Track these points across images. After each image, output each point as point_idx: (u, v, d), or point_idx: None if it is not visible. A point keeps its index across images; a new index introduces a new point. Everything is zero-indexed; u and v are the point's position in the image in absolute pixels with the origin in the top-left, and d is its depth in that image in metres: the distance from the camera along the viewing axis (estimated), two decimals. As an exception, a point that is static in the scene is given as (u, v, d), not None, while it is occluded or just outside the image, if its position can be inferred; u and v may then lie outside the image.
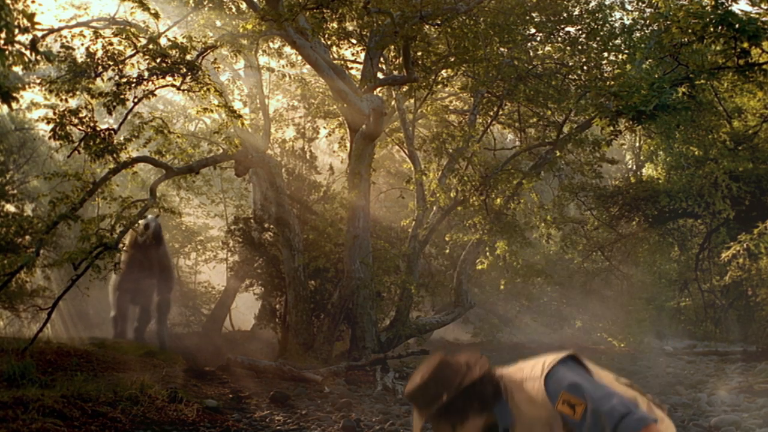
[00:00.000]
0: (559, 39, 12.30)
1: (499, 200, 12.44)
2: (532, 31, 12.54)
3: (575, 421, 2.35)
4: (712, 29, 9.10)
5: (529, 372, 2.48)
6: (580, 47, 11.91)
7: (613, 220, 14.72)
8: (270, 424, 7.18)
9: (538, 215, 13.67)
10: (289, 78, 14.89)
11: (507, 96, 12.01)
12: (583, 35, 12.07)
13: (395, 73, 12.19)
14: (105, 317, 17.24)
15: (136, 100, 8.65)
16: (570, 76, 12.21)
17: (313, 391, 9.09)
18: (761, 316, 13.83)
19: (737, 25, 8.91)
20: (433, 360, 2.56)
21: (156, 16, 9.32)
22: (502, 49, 12.22)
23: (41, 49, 4.21)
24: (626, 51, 12.20)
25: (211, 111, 9.62)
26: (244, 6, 11.84)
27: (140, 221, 10.99)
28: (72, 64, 8.48)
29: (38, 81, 9.64)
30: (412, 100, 12.70)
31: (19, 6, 6.56)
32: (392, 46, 11.53)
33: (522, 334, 18.83)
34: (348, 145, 12.42)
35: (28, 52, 4.10)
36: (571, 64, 12.16)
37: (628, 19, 13.80)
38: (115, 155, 8.54)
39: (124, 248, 11.23)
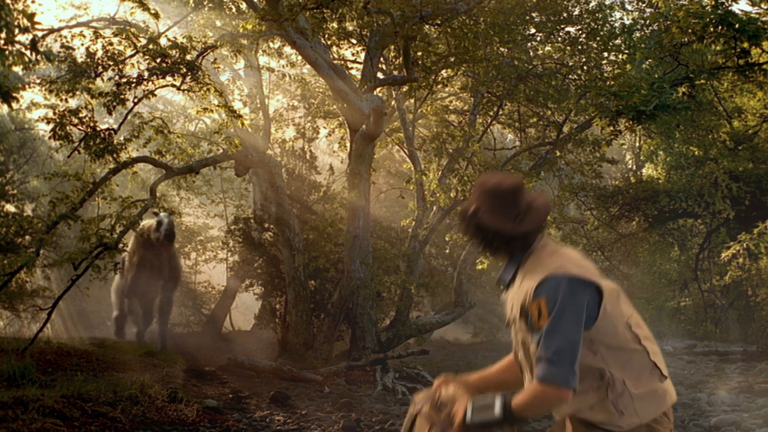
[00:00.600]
0: (559, 39, 12.30)
1: (499, 200, 12.42)
2: (532, 31, 12.54)
3: (534, 326, 2.37)
4: (712, 29, 9.09)
5: (549, 260, 2.45)
6: (580, 47, 11.90)
7: (613, 220, 14.72)
8: (270, 424, 7.18)
9: (538, 215, 13.65)
10: (289, 78, 14.88)
11: (507, 96, 12.01)
12: (583, 35, 12.07)
13: (395, 73, 12.19)
14: (105, 317, 17.24)
15: (136, 100, 8.65)
16: (570, 76, 12.21)
17: (313, 391, 9.09)
18: (761, 316, 13.83)
19: (737, 25, 8.90)
20: (507, 184, 2.52)
21: (156, 16, 9.33)
22: (502, 49, 12.21)
23: (41, 49, 4.21)
24: (626, 51, 12.20)
25: (211, 111, 9.62)
26: (244, 6, 11.84)
27: (153, 219, 10.90)
28: (72, 64, 8.48)
29: (38, 81, 9.64)
30: (412, 100, 12.70)
31: (19, 6, 6.56)
32: (392, 46, 11.52)
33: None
34: (348, 145, 12.42)
35: (28, 52, 4.10)
36: (571, 64, 12.16)
37: (628, 19, 13.81)
38: (115, 155, 8.54)
39: (131, 249, 11.09)
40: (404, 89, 11.79)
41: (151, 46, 8.42)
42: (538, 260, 2.47)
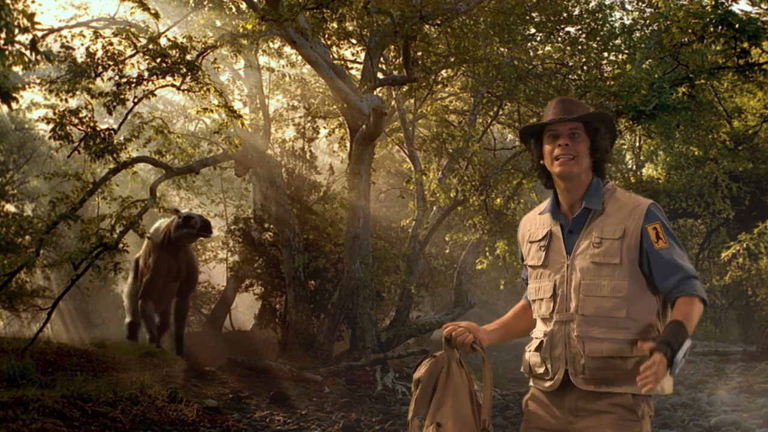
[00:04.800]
0: (559, 39, 12.29)
1: (499, 200, 12.43)
2: (532, 31, 12.53)
3: (651, 249, 2.41)
4: (712, 29, 9.09)
5: (634, 194, 2.58)
6: (580, 47, 11.89)
7: (613, 220, 14.66)
8: (270, 424, 7.19)
9: (538, 215, 13.65)
10: (289, 78, 14.87)
11: (507, 96, 11.99)
12: (583, 35, 12.06)
13: (395, 73, 12.18)
14: (105, 317, 17.26)
15: (136, 100, 8.65)
16: (570, 76, 12.19)
17: (313, 391, 9.09)
18: (761, 316, 13.82)
19: (737, 25, 8.90)
20: None
21: (156, 16, 9.31)
22: (502, 49, 12.20)
23: (41, 49, 4.21)
24: (626, 51, 12.19)
25: (211, 111, 9.61)
26: (244, 6, 11.83)
27: (167, 219, 10.62)
28: (72, 64, 8.48)
29: (38, 81, 9.65)
30: (412, 100, 12.69)
31: (19, 6, 6.56)
32: (392, 46, 11.52)
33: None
34: (348, 145, 12.42)
35: (28, 52, 4.10)
36: (571, 64, 12.14)
37: (628, 19, 13.81)
38: (115, 155, 8.54)
39: (145, 251, 10.82)
40: (404, 89, 11.78)
41: (151, 46, 8.42)
42: (625, 191, 2.57)
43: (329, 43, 12.00)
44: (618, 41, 12.15)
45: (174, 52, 8.43)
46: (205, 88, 8.71)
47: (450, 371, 2.60)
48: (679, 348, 2.25)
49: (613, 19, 16.16)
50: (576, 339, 2.47)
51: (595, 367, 2.44)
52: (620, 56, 12.36)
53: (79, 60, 8.57)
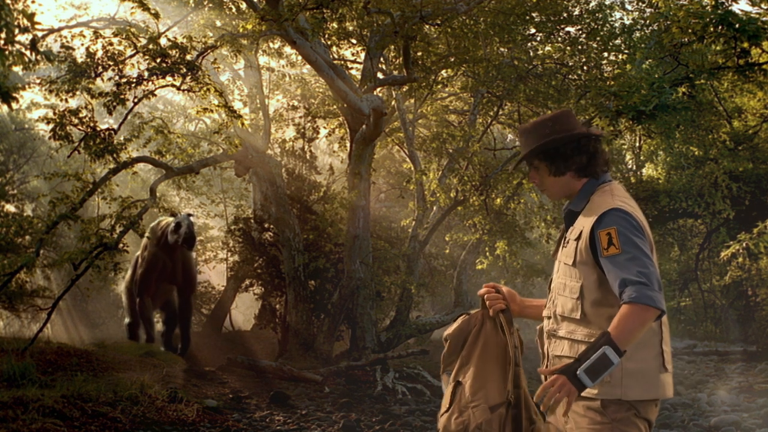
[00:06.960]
0: (559, 39, 12.28)
1: (499, 200, 12.43)
2: (532, 31, 12.52)
3: (601, 255, 2.36)
4: (712, 29, 9.10)
5: (617, 196, 2.50)
6: (580, 47, 11.89)
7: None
8: (270, 424, 7.19)
9: (538, 215, 13.66)
10: (289, 78, 14.87)
11: (507, 96, 11.99)
12: (583, 35, 12.05)
13: (395, 73, 12.18)
14: (105, 317, 17.26)
15: (136, 100, 8.64)
16: (570, 76, 12.19)
17: (313, 391, 9.09)
18: (761, 316, 13.83)
19: (737, 25, 8.91)
20: (571, 116, 2.61)
21: (156, 16, 9.31)
22: (502, 49, 12.19)
23: (41, 49, 4.21)
24: (626, 51, 12.19)
25: (211, 111, 9.59)
26: (244, 6, 11.83)
27: (170, 218, 10.52)
28: (72, 64, 8.48)
29: (38, 81, 9.65)
30: (412, 100, 12.69)
31: (19, 6, 6.56)
32: (392, 46, 11.51)
33: (522, 333, 18.82)
34: (348, 145, 12.41)
35: (28, 52, 4.10)
36: (571, 64, 12.14)
37: (628, 19, 13.80)
38: (115, 155, 8.54)
39: (143, 245, 10.75)
40: (404, 89, 11.78)
41: (151, 46, 8.42)
42: (608, 193, 2.53)
43: (329, 43, 12.00)
44: (618, 41, 12.14)
45: (174, 52, 8.43)
46: (205, 88, 8.71)
47: (483, 330, 2.62)
48: (586, 359, 2.23)
49: (613, 19, 16.17)
50: (546, 335, 2.56)
51: (554, 365, 2.48)
52: (620, 56, 12.36)
53: (79, 60, 8.56)
